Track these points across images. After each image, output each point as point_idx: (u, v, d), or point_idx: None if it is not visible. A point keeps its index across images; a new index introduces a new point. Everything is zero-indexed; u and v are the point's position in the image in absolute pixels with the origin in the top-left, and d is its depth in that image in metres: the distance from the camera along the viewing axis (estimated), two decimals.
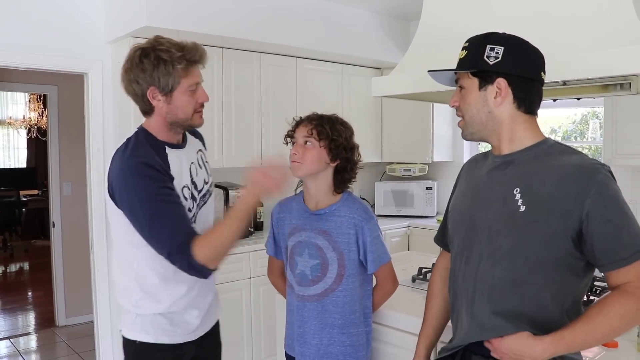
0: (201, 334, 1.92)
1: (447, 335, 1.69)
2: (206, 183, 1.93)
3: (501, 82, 1.45)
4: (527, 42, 1.49)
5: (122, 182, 1.70)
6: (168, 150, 1.80)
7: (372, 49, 4.64)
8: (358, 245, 1.89)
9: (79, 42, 3.57)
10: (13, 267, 8.14)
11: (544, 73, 1.50)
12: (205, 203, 1.91)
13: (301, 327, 1.93)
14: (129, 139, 1.80)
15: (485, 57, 1.45)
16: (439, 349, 1.69)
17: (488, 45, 1.46)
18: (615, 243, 1.33)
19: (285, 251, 2.00)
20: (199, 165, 1.91)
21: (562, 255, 1.37)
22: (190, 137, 1.95)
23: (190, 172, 1.85)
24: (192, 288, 1.84)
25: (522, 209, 1.40)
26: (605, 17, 1.85)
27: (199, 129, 2.01)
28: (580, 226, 1.34)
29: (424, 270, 2.53)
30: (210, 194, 1.96)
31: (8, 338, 4.90)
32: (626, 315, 1.31)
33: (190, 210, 1.80)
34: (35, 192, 9.25)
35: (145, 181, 1.67)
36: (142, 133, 1.81)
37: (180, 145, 1.87)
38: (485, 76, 1.47)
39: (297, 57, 4.34)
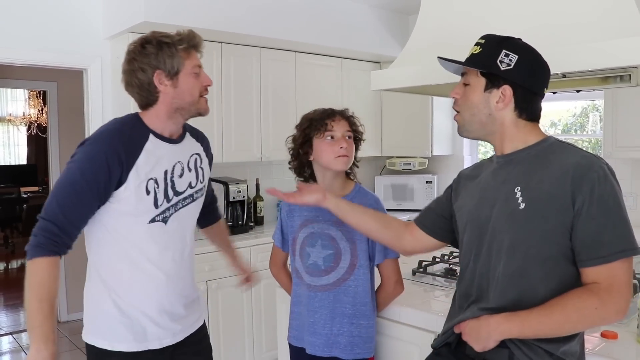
0: (170, 343, 1.83)
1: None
2: (191, 187, 1.88)
3: (506, 89, 1.47)
4: (540, 56, 1.50)
5: (79, 149, 1.71)
6: (152, 138, 1.77)
7: (371, 43, 4.63)
8: None
9: (78, 38, 3.57)
10: (15, 264, 8.16)
11: (547, 88, 1.52)
12: (185, 206, 1.86)
13: (312, 316, 1.95)
14: (116, 119, 1.80)
15: (498, 61, 1.46)
16: (432, 340, 1.71)
17: (504, 50, 1.46)
18: (596, 241, 1.34)
19: (292, 243, 2.02)
20: (189, 167, 1.87)
21: (562, 250, 1.39)
22: (189, 139, 1.92)
23: (172, 170, 1.81)
24: (153, 290, 1.79)
25: (522, 206, 1.42)
26: (605, 9, 1.84)
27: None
28: (573, 222, 1.37)
29: (424, 264, 2.53)
30: (194, 200, 1.90)
31: (10, 334, 4.92)
32: (584, 310, 1.33)
33: (157, 205, 1.76)
34: (35, 188, 9.25)
35: (84, 167, 1.65)
36: (133, 116, 1.80)
37: (172, 140, 1.83)
38: (493, 79, 1.48)
39: (296, 51, 4.33)
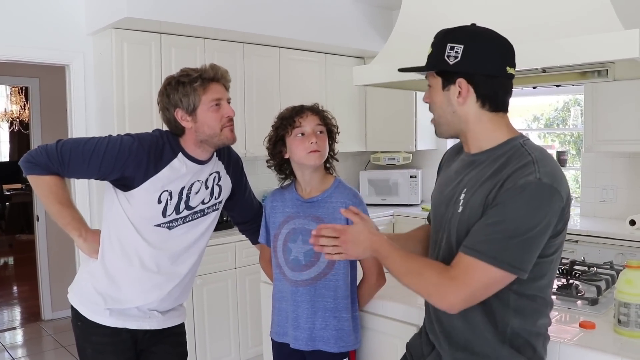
0: (149, 328, 2.00)
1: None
2: (203, 203, 2.01)
3: (462, 82, 1.41)
4: (491, 37, 1.43)
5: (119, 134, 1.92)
6: (180, 156, 1.92)
7: (355, 38, 4.64)
8: None
9: (60, 34, 3.54)
10: None
11: (512, 66, 1.44)
12: (194, 219, 2.01)
13: (295, 311, 1.97)
14: (160, 130, 1.98)
15: (445, 57, 1.41)
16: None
17: (448, 44, 1.41)
18: (472, 233, 1.36)
19: (274, 239, 2.04)
20: (206, 186, 2.00)
21: None
22: (214, 159, 2.04)
23: (190, 187, 1.95)
24: (145, 281, 1.96)
25: (460, 209, 1.43)
26: (582, 6, 1.87)
27: (236, 153, 2.16)
28: None
29: None
30: (205, 214, 2.03)
31: None
32: (429, 277, 1.38)
33: (165, 215, 1.92)
34: (18, 186, 9.15)
35: (105, 141, 1.85)
36: (170, 133, 1.96)
37: (200, 161, 1.96)
38: (447, 76, 1.43)
39: (280, 47, 4.33)
